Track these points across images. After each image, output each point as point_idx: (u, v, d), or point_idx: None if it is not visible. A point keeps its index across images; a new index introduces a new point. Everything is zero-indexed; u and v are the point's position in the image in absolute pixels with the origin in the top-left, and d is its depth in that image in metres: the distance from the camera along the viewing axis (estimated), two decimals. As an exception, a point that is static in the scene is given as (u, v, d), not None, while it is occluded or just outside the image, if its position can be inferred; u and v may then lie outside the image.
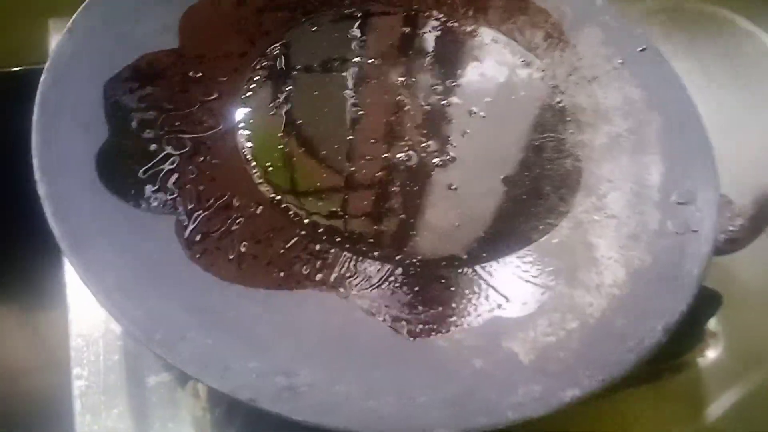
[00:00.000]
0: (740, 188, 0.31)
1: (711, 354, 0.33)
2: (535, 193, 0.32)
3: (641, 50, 0.36)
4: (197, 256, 0.26)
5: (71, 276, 0.30)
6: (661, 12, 0.48)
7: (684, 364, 0.32)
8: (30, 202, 0.25)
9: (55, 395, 0.30)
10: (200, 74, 0.32)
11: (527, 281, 0.29)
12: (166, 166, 0.29)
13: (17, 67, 0.50)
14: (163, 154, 0.29)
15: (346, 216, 0.30)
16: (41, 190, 0.25)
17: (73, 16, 0.31)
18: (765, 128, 0.43)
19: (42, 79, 0.28)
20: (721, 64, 0.46)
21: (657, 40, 0.41)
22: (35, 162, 0.26)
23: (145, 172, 0.28)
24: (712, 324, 0.33)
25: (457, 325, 0.27)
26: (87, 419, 0.27)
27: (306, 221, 0.29)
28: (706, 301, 0.31)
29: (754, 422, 0.32)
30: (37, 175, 0.26)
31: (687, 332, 0.31)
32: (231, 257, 0.27)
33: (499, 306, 0.28)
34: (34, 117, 0.27)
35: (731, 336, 0.33)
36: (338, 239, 0.29)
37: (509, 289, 0.28)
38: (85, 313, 0.29)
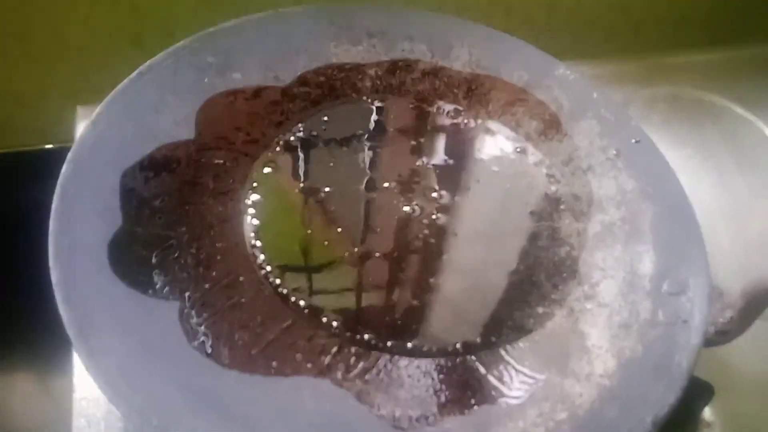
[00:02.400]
0: (737, 277, 0.32)
1: (707, 445, 0.33)
2: (529, 281, 0.33)
3: (636, 142, 0.38)
4: (196, 341, 0.27)
5: (78, 357, 0.31)
6: (660, 101, 0.49)
7: (679, 456, 0.32)
8: (43, 283, 0.27)
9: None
10: (214, 162, 0.34)
11: (519, 371, 0.29)
12: (174, 252, 0.30)
13: (45, 145, 0.53)
14: (171, 241, 0.30)
15: (343, 302, 0.31)
16: (53, 276, 0.27)
17: (97, 109, 0.33)
18: (764, 215, 0.44)
19: (63, 169, 0.30)
20: (720, 152, 0.47)
21: (656, 128, 0.43)
22: (50, 248, 0.28)
23: (154, 259, 0.29)
24: (707, 414, 0.33)
25: (446, 415, 0.27)
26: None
27: (303, 307, 0.30)
28: (698, 392, 0.31)
29: None
30: (51, 260, 0.27)
31: (680, 423, 0.31)
32: (229, 344, 0.28)
33: (491, 395, 0.28)
34: (53, 205, 0.29)
35: (726, 426, 0.33)
36: (334, 327, 0.30)
37: (502, 378, 0.29)
38: (88, 393, 0.30)
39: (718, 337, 0.30)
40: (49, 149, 0.52)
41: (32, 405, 0.42)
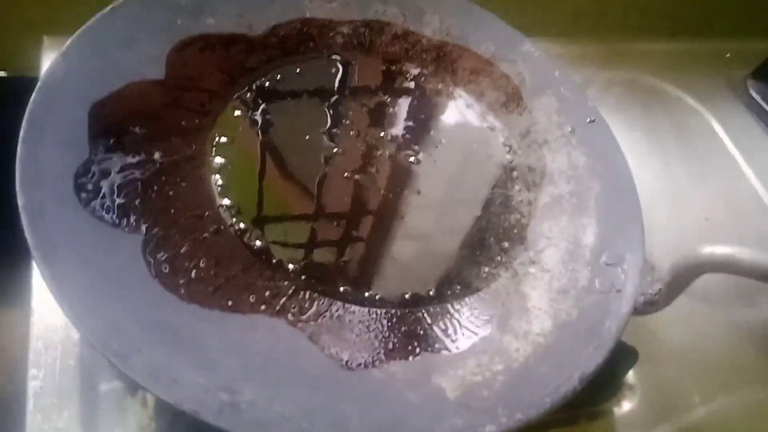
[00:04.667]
0: (669, 254, 0.34)
1: (627, 405, 0.35)
2: (480, 243, 0.35)
3: (590, 121, 0.40)
4: (158, 274, 0.28)
5: (38, 281, 0.31)
6: (618, 84, 0.52)
7: (601, 413, 0.35)
8: (8, 207, 0.27)
9: (10, 395, 0.31)
10: (181, 104, 0.35)
11: (463, 324, 0.31)
12: (139, 187, 0.31)
13: (6, 72, 0.52)
14: (135, 176, 0.31)
15: (301, 248, 0.32)
16: (20, 200, 0.27)
17: (68, 41, 0.33)
18: (703, 200, 0.46)
19: (32, 98, 0.30)
20: (667, 138, 0.50)
21: (611, 109, 0.45)
22: (17, 174, 0.28)
23: (118, 192, 0.30)
24: (630, 377, 0.36)
25: (392, 359, 0.29)
26: (38, 419, 0.29)
27: (262, 249, 0.31)
28: (623, 356, 0.34)
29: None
30: (18, 186, 0.28)
31: (605, 383, 0.34)
32: (189, 278, 0.29)
33: (435, 345, 0.30)
34: (21, 133, 0.29)
35: (646, 389, 0.36)
36: (291, 270, 0.31)
37: (446, 330, 0.31)
38: (46, 318, 0.31)
39: (647, 307, 0.33)
40: (12, 77, 0.51)
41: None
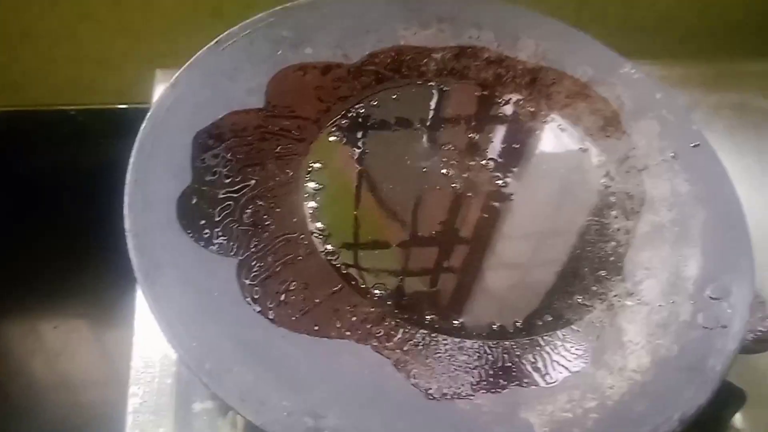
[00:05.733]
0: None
1: (735, 451, 0.33)
2: (573, 273, 0.34)
3: (694, 146, 0.38)
4: (250, 297, 0.29)
5: (141, 303, 0.33)
6: (726, 107, 0.49)
7: (706, 459, 0.33)
8: (116, 232, 0.29)
9: (110, 410, 0.33)
10: (279, 131, 0.36)
11: (554, 358, 0.30)
12: (235, 211, 0.32)
13: (125, 104, 0.56)
14: (232, 200, 0.32)
15: (389, 275, 0.32)
16: (126, 224, 0.29)
17: (177, 73, 0.35)
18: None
19: (142, 127, 0.33)
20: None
21: (719, 134, 0.42)
22: (126, 198, 0.30)
23: (217, 216, 0.31)
24: (738, 421, 0.33)
25: (479, 391, 0.28)
26: (135, 434, 0.30)
27: (351, 274, 0.31)
28: (730, 397, 0.31)
29: None
30: (125, 210, 0.30)
31: (710, 427, 0.32)
32: (279, 301, 0.29)
33: (524, 378, 0.29)
34: (131, 159, 0.31)
35: (756, 435, 0.33)
36: (378, 296, 0.31)
37: (536, 363, 0.30)
38: (147, 338, 0.33)
39: (757, 345, 0.30)
40: (127, 108, 0.55)
41: (95, 346, 0.45)
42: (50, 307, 0.47)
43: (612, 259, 0.34)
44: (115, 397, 0.31)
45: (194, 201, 0.31)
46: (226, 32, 0.37)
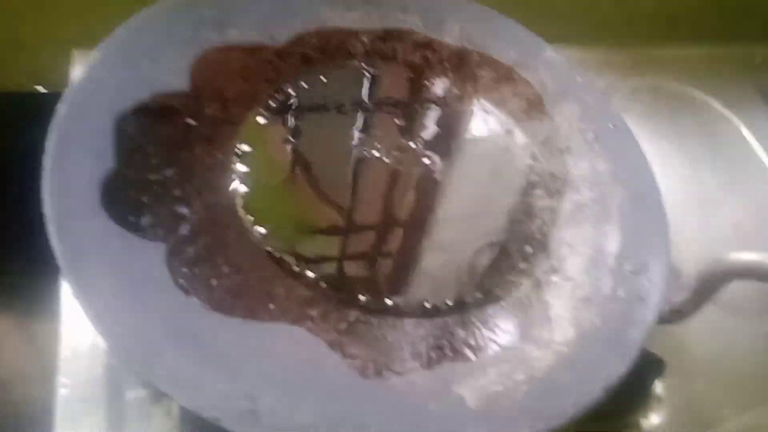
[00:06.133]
0: (697, 263, 0.34)
1: (655, 418, 0.35)
2: (501, 251, 0.35)
3: (613, 127, 0.39)
4: (180, 282, 0.29)
5: (66, 291, 0.32)
6: (644, 91, 0.51)
7: (628, 425, 0.34)
8: (37, 219, 0.28)
9: (39, 402, 0.32)
10: (206, 115, 0.35)
11: (485, 333, 0.31)
12: (162, 196, 0.31)
13: (39, 88, 0.53)
14: (159, 184, 0.31)
15: (321, 256, 0.32)
16: (46, 210, 0.28)
17: (94, 53, 0.34)
18: (733, 208, 0.46)
19: (59, 107, 0.31)
20: (696, 145, 0.49)
21: (637, 117, 0.44)
22: (44, 184, 0.28)
23: (143, 200, 0.31)
24: (659, 389, 0.35)
25: (412, 368, 0.29)
26: (65, 426, 0.29)
27: (283, 257, 0.31)
28: (650, 366, 0.33)
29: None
30: (45, 196, 0.28)
31: (632, 394, 0.33)
32: (210, 286, 0.29)
33: (456, 354, 0.30)
34: (48, 142, 0.30)
35: (675, 402, 0.35)
36: (311, 278, 0.31)
37: (468, 339, 0.31)
38: (75, 327, 0.31)
39: (673, 315, 0.32)
40: (43, 93, 0.52)
41: (20, 338, 0.43)
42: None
43: (538, 237, 0.35)
44: (43, 389, 0.30)
45: (119, 185, 0.30)
46: (144, 10, 0.36)
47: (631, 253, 0.34)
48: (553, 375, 0.30)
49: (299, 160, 0.36)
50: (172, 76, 0.35)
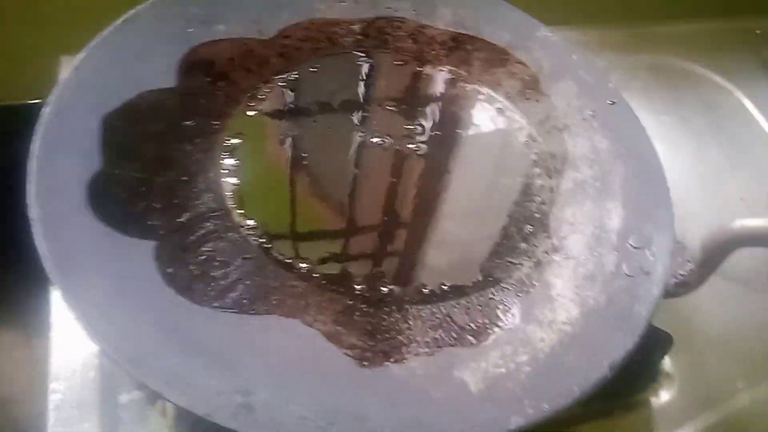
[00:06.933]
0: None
1: (665, 394, 0.34)
2: (500, 233, 0.34)
3: (611, 103, 0.38)
4: (170, 279, 0.28)
5: (56, 296, 0.31)
6: (643, 69, 0.50)
7: (637, 403, 0.33)
8: (25, 228, 0.27)
9: (32, 409, 0.31)
10: (193, 110, 0.35)
11: (484, 315, 0.30)
12: (150, 193, 0.31)
13: (28, 100, 0.53)
14: (147, 182, 0.31)
15: (314, 247, 0.32)
16: (32, 212, 0.27)
17: (80, 54, 0.34)
18: (738, 180, 0.45)
19: (45, 108, 0.31)
20: (697, 119, 0.48)
21: (637, 94, 0.43)
22: (29, 185, 0.28)
23: (130, 200, 0.30)
24: (667, 365, 0.34)
25: (412, 355, 0.28)
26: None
27: (274, 249, 0.31)
28: (657, 342, 0.32)
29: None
30: (30, 198, 0.28)
31: (640, 371, 0.32)
32: (201, 282, 0.28)
33: (456, 338, 0.29)
34: (33, 143, 0.29)
35: (685, 377, 0.34)
36: (304, 270, 0.30)
37: (467, 324, 0.30)
38: (66, 331, 0.31)
39: (678, 288, 0.31)
40: (33, 104, 0.52)
41: (12, 343, 0.43)
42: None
43: (537, 216, 0.34)
44: (36, 395, 0.30)
45: (106, 184, 0.30)
46: (131, 11, 0.36)
47: (634, 228, 0.33)
48: (557, 355, 0.29)
49: (287, 152, 0.35)
50: (159, 74, 0.35)
